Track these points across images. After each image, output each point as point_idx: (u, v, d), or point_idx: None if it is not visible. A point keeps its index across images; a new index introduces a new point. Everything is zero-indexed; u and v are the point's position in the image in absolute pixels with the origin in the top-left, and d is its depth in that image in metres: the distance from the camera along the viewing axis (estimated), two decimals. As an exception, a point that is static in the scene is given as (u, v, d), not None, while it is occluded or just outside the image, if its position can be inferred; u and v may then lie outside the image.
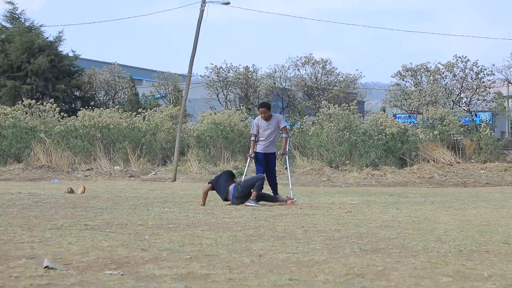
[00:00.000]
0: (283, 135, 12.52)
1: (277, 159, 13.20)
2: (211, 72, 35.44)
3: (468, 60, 32.41)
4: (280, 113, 36.22)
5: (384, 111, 35.59)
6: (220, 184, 11.54)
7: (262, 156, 12.31)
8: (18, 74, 32.84)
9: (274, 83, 36.20)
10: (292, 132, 27.99)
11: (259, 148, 12.28)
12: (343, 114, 26.95)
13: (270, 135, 12.23)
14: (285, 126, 12.59)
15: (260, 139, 12.30)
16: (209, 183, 11.81)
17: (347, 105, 27.95)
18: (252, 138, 12.42)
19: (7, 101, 31.29)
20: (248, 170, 13.24)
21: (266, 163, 12.27)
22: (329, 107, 27.91)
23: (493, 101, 33.34)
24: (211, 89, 35.37)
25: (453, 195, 15.86)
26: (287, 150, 12.76)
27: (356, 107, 28.31)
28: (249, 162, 13.18)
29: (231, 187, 11.42)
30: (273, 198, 11.78)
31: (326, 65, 35.73)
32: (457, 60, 32.53)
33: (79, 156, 25.03)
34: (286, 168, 24.07)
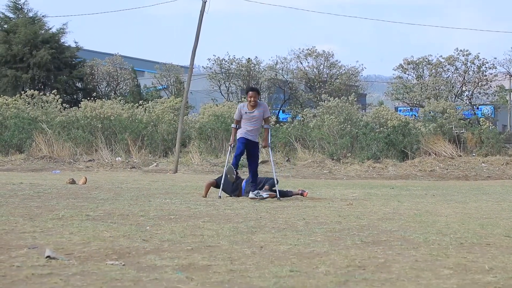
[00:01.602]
0: (265, 126, 11.52)
1: (260, 152, 12.65)
2: (213, 63, 35.43)
3: (469, 53, 32.38)
4: (281, 106, 36.29)
5: (382, 103, 35.56)
6: (228, 182, 11.59)
7: (245, 141, 11.26)
8: (21, 65, 32.85)
9: (276, 75, 36.16)
10: (293, 124, 27.97)
11: (241, 133, 11.30)
12: (343, 107, 26.95)
13: (254, 124, 11.29)
14: (269, 116, 11.75)
15: (242, 126, 11.32)
16: (214, 180, 11.89)
17: (346, 98, 27.95)
18: (234, 125, 11.50)
19: (9, 91, 31.30)
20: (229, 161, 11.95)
21: (246, 151, 11.32)
22: (329, 100, 27.90)
23: (495, 95, 33.31)
24: (213, 80, 35.36)
25: (454, 188, 15.87)
26: (269, 142, 11.82)
27: (355, 99, 28.30)
28: (230, 152, 11.98)
29: (242, 183, 11.58)
30: (288, 193, 11.70)
31: (329, 57, 35.69)
32: (458, 53, 32.50)
33: (80, 147, 25.02)
34: (288, 160, 24.18)
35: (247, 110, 11.31)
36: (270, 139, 12.06)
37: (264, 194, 11.13)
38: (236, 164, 11.26)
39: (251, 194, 11.09)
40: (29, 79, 32.46)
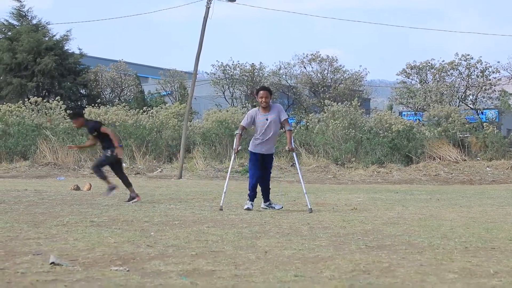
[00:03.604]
0: (287, 128, 10.29)
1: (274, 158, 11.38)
2: (217, 69, 35.45)
3: (471, 58, 32.33)
4: (285, 111, 36.22)
5: (391, 109, 35.52)
6: None
7: (259, 157, 10.23)
8: (25, 73, 32.89)
9: (279, 80, 36.15)
10: (297, 129, 27.93)
11: (256, 147, 10.22)
12: (347, 111, 26.94)
13: (269, 130, 10.12)
14: (287, 118, 10.46)
15: (257, 136, 10.21)
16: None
17: (349, 103, 27.94)
18: (239, 131, 10.25)
19: (13, 98, 31.35)
20: (234, 164, 11.26)
21: (263, 166, 10.29)
22: (332, 105, 27.89)
23: (498, 99, 33.24)
24: (217, 86, 35.37)
25: (459, 192, 15.83)
26: (293, 145, 10.58)
27: (359, 104, 28.29)
28: (234, 158, 11.18)
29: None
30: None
31: (333, 62, 35.67)
32: (460, 58, 32.44)
33: (85, 153, 25.05)
34: (293, 165, 24.14)
35: (260, 115, 10.15)
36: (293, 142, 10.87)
37: (277, 206, 10.35)
38: (253, 196, 10.22)
39: (262, 205, 10.37)
40: (34, 87, 32.52)
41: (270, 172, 10.55)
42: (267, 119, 10.10)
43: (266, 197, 10.45)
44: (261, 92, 10.20)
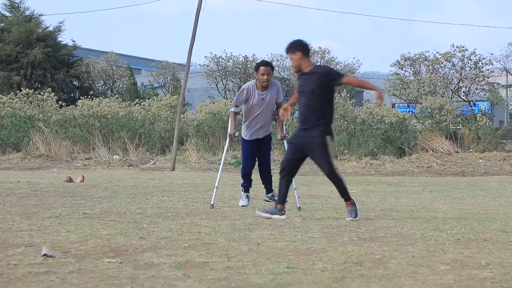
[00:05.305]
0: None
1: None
2: (210, 61, 35.41)
3: (465, 49, 32.38)
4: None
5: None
6: None
7: (254, 145, 8.82)
8: (15, 65, 32.69)
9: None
10: (289, 121, 27.89)
11: (250, 132, 8.77)
12: (338, 103, 26.96)
13: (264, 114, 8.68)
14: (282, 100, 8.86)
15: (252, 117, 8.69)
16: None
17: (338, 94, 27.96)
18: (233, 108, 8.79)
19: (5, 90, 31.18)
20: (227, 155, 10.08)
21: (258, 154, 8.90)
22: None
23: (491, 90, 33.31)
24: (210, 78, 35.34)
25: (451, 184, 15.88)
26: (285, 131, 9.18)
27: (348, 95, 28.30)
28: (229, 144, 9.70)
29: None
30: None
31: (325, 54, 35.65)
32: (454, 49, 32.48)
33: (78, 145, 25.01)
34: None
35: (258, 92, 8.60)
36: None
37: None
38: (248, 186, 8.98)
39: (265, 197, 9.15)
40: (23, 78, 32.29)
41: (269, 152, 9.05)
42: (263, 99, 8.60)
43: (268, 186, 8.99)
44: (262, 68, 8.52)
